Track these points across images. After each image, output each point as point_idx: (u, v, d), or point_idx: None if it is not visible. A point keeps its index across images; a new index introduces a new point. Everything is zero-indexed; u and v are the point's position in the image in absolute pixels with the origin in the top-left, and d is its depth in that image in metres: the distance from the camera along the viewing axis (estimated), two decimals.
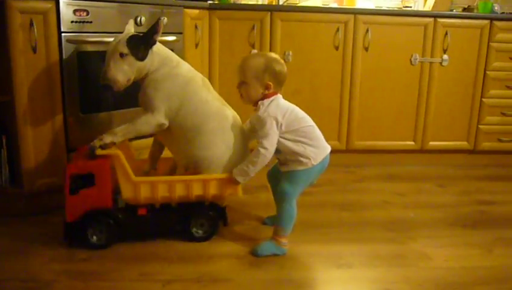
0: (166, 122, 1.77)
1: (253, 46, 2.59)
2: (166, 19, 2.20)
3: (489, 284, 1.59)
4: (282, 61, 1.79)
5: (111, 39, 2.03)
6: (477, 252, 1.82)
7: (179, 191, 1.74)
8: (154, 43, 1.76)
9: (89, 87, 2.04)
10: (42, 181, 1.96)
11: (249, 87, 1.75)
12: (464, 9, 3.04)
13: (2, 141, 1.94)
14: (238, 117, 1.89)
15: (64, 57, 1.93)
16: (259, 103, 1.75)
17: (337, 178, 2.63)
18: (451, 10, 3.02)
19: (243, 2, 2.84)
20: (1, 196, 1.97)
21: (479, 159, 2.89)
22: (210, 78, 2.61)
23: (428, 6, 3.06)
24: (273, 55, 1.80)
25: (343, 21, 2.59)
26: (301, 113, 1.79)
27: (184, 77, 1.82)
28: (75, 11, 1.92)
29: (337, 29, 2.59)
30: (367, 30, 2.60)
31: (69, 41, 1.93)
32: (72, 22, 1.92)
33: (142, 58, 1.75)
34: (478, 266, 1.71)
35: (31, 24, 1.80)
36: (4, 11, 1.74)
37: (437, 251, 1.81)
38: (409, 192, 2.45)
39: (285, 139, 1.73)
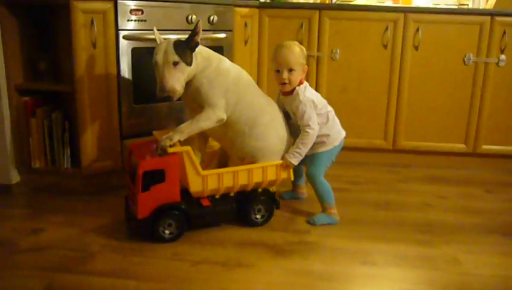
0: (225, 117, 1.86)
1: (301, 44, 2.63)
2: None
3: None
4: None
5: (164, 36, 2.21)
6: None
7: (242, 180, 1.88)
8: (197, 45, 1.80)
9: (142, 81, 2.22)
10: (98, 164, 2.18)
11: (295, 74, 1.95)
12: None
13: (65, 126, 2.17)
14: (277, 107, 2.02)
15: (120, 52, 2.12)
16: (297, 88, 1.97)
17: (381, 177, 2.62)
18: None
19: (293, 1, 2.89)
20: (62, 175, 2.22)
21: None
22: (259, 75, 2.73)
23: (489, 5, 2.92)
24: (295, 41, 2.05)
25: (392, 20, 2.57)
26: (324, 99, 2.05)
27: (234, 73, 1.92)
28: (131, 11, 2.10)
29: (386, 28, 2.57)
30: (417, 29, 2.55)
31: (125, 38, 2.11)
32: (128, 20, 2.10)
33: (190, 62, 1.79)
34: (509, 275, 1.66)
35: (92, 22, 2.01)
36: (69, 11, 1.95)
37: (469, 256, 1.77)
38: (453, 195, 2.39)
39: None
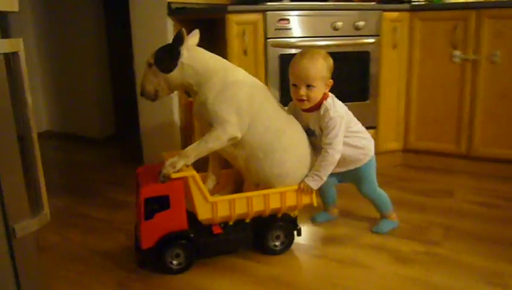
0: (239, 135, 1.65)
1: (455, 47, 2.49)
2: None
3: None
4: None
5: (309, 43, 2.35)
6: None
7: (256, 207, 1.68)
8: (178, 54, 1.65)
9: (288, 83, 2.40)
10: None
11: (316, 90, 1.71)
12: None
13: None
14: (300, 125, 1.80)
15: (268, 59, 2.34)
16: (324, 103, 1.74)
17: None
18: None
19: (447, 1, 2.71)
20: None
21: None
22: (408, 80, 2.65)
23: None
24: (321, 50, 1.77)
25: None
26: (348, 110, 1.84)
27: (246, 87, 1.70)
28: (278, 20, 2.30)
29: None
30: None
31: (272, 45, 2.33)
32: (275, 29, 2.31)
33: (166, 70, 1.66)
34: None
35: (244, 33, 2.27)
36: (225, 23, 2.25)
37: None
38: None
39: (345, 137, 1.78)
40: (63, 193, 2.54)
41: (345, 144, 1.77)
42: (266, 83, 2.37)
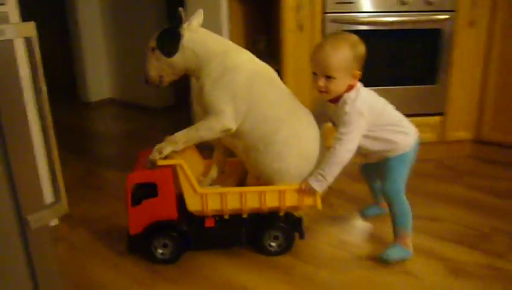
0: (233, 127, 1.53)
1: None
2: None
3: None
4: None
5: (373, 19, 2.15)
6: None
7: (251, 203, 1.56)
8: (179, 36, 1.55)
9: None
10: None
11: (337, 82, 1.49)
12: None
13: None
14: (312, 117, 1.61)
15: (326, 35, 2.16)
16: (345, 96, 1.52)
17: None
18: None
19: None
20: None
21: None
22: (486, 63, 2.33)
23: None
24: (352, 36, 1.52)
25: None
26: (381, 103, 1.58)
27: (247, 72, 1.55)
28: None
29: None
30: None
31: (332, 21, 2.14)
32: (336, 3, 2.11)
33: (168, 53, 1.57)
34: None
35: (300, 6, 2.09)
36: None
37: None
38: None
39: (366, 137, 1.54)
40: (113, 165, 2.58)
41: (369, 137, 1.56)
42: None
